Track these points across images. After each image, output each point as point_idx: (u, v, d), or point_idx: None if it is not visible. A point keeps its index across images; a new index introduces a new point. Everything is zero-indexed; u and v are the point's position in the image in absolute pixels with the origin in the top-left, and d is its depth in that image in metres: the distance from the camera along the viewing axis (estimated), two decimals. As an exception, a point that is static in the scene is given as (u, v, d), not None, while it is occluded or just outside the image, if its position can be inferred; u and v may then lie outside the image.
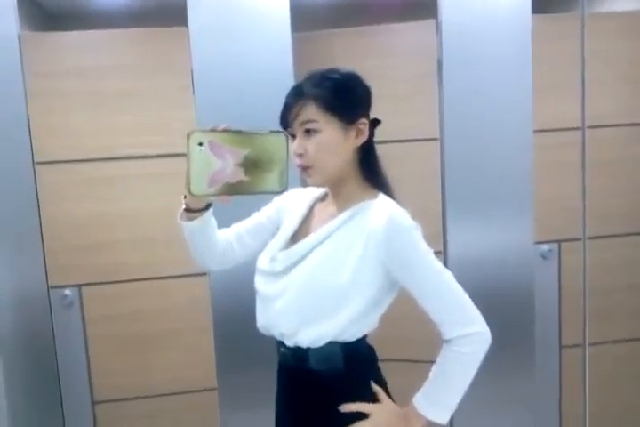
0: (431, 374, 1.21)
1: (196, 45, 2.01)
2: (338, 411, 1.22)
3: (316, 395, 1.24)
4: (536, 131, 2.12)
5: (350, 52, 2.19)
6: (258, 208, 1.44)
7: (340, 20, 2.29)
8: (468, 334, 1.17)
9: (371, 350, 1.31)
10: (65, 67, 2.08)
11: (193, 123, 2.03)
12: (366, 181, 1.29)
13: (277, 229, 1.40)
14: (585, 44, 2.22)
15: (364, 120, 1.23)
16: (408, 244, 1.18)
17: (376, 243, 1.17)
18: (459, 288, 1.20)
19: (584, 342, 2.31)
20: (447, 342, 1.19)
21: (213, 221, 1.32)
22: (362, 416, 1.24)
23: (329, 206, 1.31)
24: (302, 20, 2.09)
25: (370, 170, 1.29)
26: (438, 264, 1.19)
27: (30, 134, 2.07)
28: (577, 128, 2.29)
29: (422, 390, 1.21)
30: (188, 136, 1.07)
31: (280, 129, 1.17)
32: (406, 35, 2.19)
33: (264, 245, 1.39)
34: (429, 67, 2.14)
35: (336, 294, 1.19)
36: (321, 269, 1.20)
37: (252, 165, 1.10)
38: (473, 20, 2.05)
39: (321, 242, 1.23)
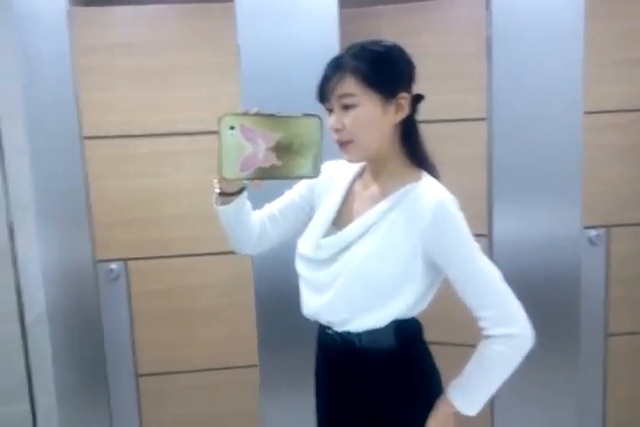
0: (467, 366, 1.21)
1: (242, 21, 2.01)
2: (390, 388, 1.24)
3: (366, 373, 1.23)
4: (587, 112, 2.06)
5: (397, 28, 2.15)
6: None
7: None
8: (507, 335, 1.15)
9: (419, 325, 1.29)
10: (113, 42, 2.10)
11: (238, 100, 2.02)
12: (409, 160, 1.26)
13: (311, 207, 1.38)
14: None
15: (404, 95, 1.19)
16: (455, 234, 1.16)
17: (425, 232, 1.15)
18: (503, 285, 1.17)
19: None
20: (486, 337, 1.17)
21: (248, 205, 1.30)
22: (414, 395, 1.25)
23: (370, 186, 1.28)
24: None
25: (412, 148, 1.25)
26: (483, 257, 1.17)
27: (78, 109, 2.09)
28: (628, 110, 2.23)
29: (456, 381, 1.22)
30: (220, 120, 1.06)
31: (314, 112, 1.15)
32: (455, 11, 2.14)
33: (299, 224, 1.39)
34: (478, 44, 2.09)
35: (389, 283, 1.18)
36: (372, 259, 1.18)
37: (285, 150, 1.09)
38: (523, -3, 1.99)
39: (367, 229, 1.20)
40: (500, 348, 1.16)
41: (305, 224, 1.36)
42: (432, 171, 1.27)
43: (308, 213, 1.38)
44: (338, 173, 1.35)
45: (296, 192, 1.40)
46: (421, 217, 1.15)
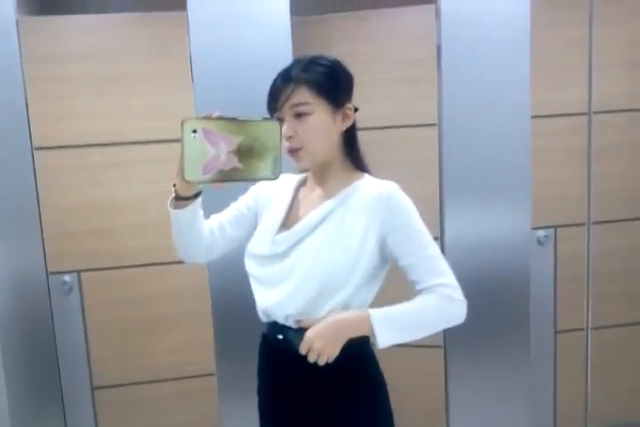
0: (397, 306, 1.24)
1: (194, 30, 2.01)
2: (347, 385, 1.27)
3: (322, 373, 1.24)
4: (534, 117, 2.13)
5: (349, 36, 2.19)
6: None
7: (338, 4, 2.28)
8: (444, 283, 1.24)
9: None
10: (63, 51, 2.07)
11: (192, 108, 2.02)
12: (351, 164, 1.34)
13: (255, 216, 1.42)
14: (583, 31, 2.23)
15: (349, 105, 1.29)
16: (406, 211, 1.25)
17: (379, 213, 1.24)
18: (438, 248, 1.28)
19: (587, 325, 2.34)
20: (424, 289, 1.25)
21: (201, 212, 1.33)
22: (371, 392, 1.29)
23: (315, 190, 1.34)
24: (301, 4, 2.08)
25: (354, 153, 1.34)
26: (426, 230, 1.27)
27: (29, 119, 2.06)
28: (573, 114, 2.31)
29: (386, 308, 1.24)
30: (182, 123, 1.07)
31: (273, 116, 1.18)
32: (405, 19, 2.18)
33: (245, 233, 1.42)
34: (428, 52, 2.14)
35: (345, 267, 1.23)
36: (328, 247, 1.24)
37: (246, 153, 1.11)
38: (472, 5, 2.05)
39: (320, 222, 1.27)
40: (437, 292, 1.23)
41: (250, 234, 1.40)
42: (369, 172, 1.35)
43: (253, 224, 1.42)
44: (281, 184, 1.39)
45: (243, 203, 1.44)
46: (377, 205, 1.24)
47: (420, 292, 1.25)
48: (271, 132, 1.11)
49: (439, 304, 1.23)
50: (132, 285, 2.22)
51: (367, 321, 1.20)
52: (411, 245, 1.24)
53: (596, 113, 2.31)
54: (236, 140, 1.10)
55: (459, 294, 1.25)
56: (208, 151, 1.09)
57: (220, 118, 1.10)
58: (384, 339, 1.20)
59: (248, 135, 1.10)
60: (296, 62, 1.27)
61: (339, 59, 1.29)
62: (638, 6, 2.31)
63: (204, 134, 1.08)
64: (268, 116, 1.23)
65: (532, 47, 2.07)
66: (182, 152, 1.09)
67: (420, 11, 2.15)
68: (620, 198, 2.40)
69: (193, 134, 1.08)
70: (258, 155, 1.11)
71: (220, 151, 1.09)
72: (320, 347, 1.18)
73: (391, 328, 1.21)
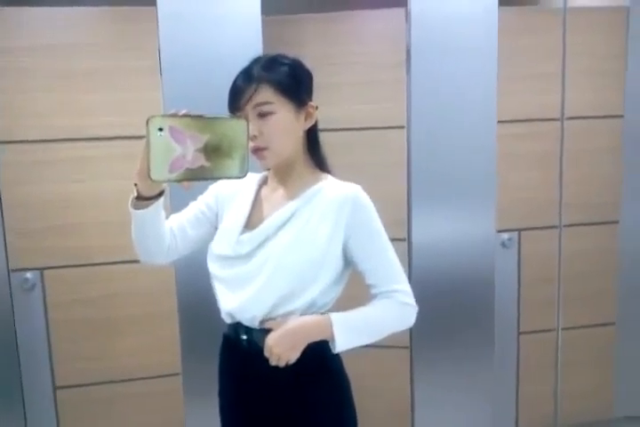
0: (353, 311, 1.27)
1: (164, 26, 1.99)
2: (310, 385, 1.28)
3: (287, 373, 1.24)
4: (500, 121, 2.17)
5: (319, 37, 2.19)
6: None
7: (310, 4, 2.29)
8: (399, 290, 1.28)
9: None
10: (29, 44, 2.03)
11: (160, 105, 2.01)
12: (313, 163, 1.35)
13: (216, 216, 1.40)
14: (551, 39, 2.28)
15: (312, 103, 1.29)
16: (369, 215, 1.27)
17: (343, 215, 1.25)
18: (394, 253, 1.30)
19: (557, 326, 2.38)
20: (379, 294, 1.28)
21: (163, 212, 1.29)
22: (335, 391, 1.30)
23: (277, 190, 1.34)
24: (273, 3, 2.08)
25: (316, 153, 1.35)
26: (385, 234, 1.29)
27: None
28: (539, 119, 2.36)
29: (345, 313, 1.26)
30: (148, 121, 1.05)
31: (240, 114, 1.17)
32: (376, 22, 2.20)
33: (205, 234, 1.39)
34: (398, 55, 2.16)
35: (312, 268, 1.24)
36: (293, 247, 1.23)
37: (213, 151, 1.09)
38: (442, 10, 2.08)
39: (285, 222, 1.26)
40: (392, 297, 1.27)
41: (211, 235, 1.38)
42: (330, 172, 1.36)
43: (213, 224, 1.40)
44: (241, 183, 1.37)
45: (203, 203, 1.41)
46: (342, 206, 1.25)
47: (375, 296, 1.28)
48: (238, 130, 1.10)
49: (395, 310, 1.27)
50: (96, 283, 2.19)
51: (328, 326, 1.22)
52: (370, 249, 1.27)
53: (556, 120, 2.36)
54: (203, 138, 1.08)
55: (412, 301, 1.29)
56: (174, 149, 1.06)
57: (186, 116, 1.07)
58: (341, 343, 1.22)
59: (215, 133, 1.08)
60: (256, 61, 1.26)
61: (299, 58, 1.30)
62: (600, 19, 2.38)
63: (170, 132, 1.06)
64: (234, 114, 1.22)
65: (500, 53, 2.10)
66: (147, 150, 1.06)
67: (391, 14, 2.16)
68: (578, 204, 2.45)
69: (159, 132, 1.05)
70: (225, 153, 1.09)
71: (187, 150, 1.07)
72: (280, 352, 1.19)
73: (349, 333, 1.23)
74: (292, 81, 1.24)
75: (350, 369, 1.35)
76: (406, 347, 2.29)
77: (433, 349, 2.25)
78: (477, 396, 2.29)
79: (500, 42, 2.10)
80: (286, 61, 1.27)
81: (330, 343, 1.24)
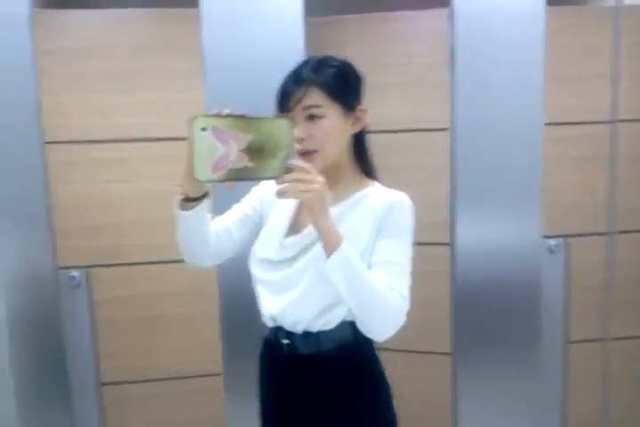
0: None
1: (206, 28, 2.01)
2: (355, 389, 1.26)
3: (329, 377, 1.24)
4: (547, 124, 2.11)
5: (362, 38, 2.18)
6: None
7: (353, 5, 2.28)
8: (397, 288, 1.17)
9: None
10: (75, 45, 2.08)
11: (202, 106, 2.02)
12: (360, 168, 1.33)
13: (260, 217, 1.39)
14: (601, 39, 2.21)
15: (361, 107, 1.27)
16: (402, 216, 1.23)
17: (379, 218, 1.22)
18: (410, 261, 1.23)
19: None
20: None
21: (209, 214, 1.29)
22: (376, 394, 1.27)
23: None
24: (316, 4, 2.08)
25: (364, 157, 1.33)
26: (409, 252, 1.23)
27: (40, 114, 2.06)
28: (587, 122, 2.29)
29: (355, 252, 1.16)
30: (191, 121, 1.05)
31: (284, 114, 1.16)
32: (419, 23, 2.18)
33: (251, 236, 1.38)
34: (442, 56, 2.12)
35: None
36: None
37: (257, 151, 1.08)
38: (486, 10, 2.03)
39: None
40: (385, 286, 1.17)
41: (256, 236, 1.37)
42: (378, 179, 1.34)
43: (258, 225, 1.39)
44: None
45: (248, 205, 1.40)
46: (381, 210, 1.23)
47: None
48: (282, 130, 1.09)
49: (385, 288, 1.16)
50: (140, 282, 2.22)
51: (337, 243, 1.13)
52: (386, 245, 1.21)
53: (605, 123, 2.29)
54: (247, 138, 1.07)
55: (403, 302, 1.18)
56: (218, 150, 1.06)
57: (229, 116, 1.07)
58: (330, 266, 1.14)
59: (258, 133, 1.08)
60: (305, 63, 1.25)
61: (348, 60, 1.28)
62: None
63: (213, 132, 1.06)
64: (280, 113, 1.21)
65: (547, 53, 2.05)
66: (191, 150, 1.06)
67: (435, 14, 2.13)
68: (629, 209, 2.36)
69: (202, 132, 1.05)
70: (268, 153, 1.09)
71: (230, 150, 1.07)
72: (302, 186, 1.08)
73: (345, 265, 1.14)
74: (341, 84, 1.23)
75: (391, 375, 1.33)
76: (447, 353, 2.24)
77: (476, 356, 2.20)
78: (522, 405, 2.23)
79: (549, 42, 2.04)
80: (336, 63, 1.26)
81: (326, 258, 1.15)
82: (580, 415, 2.46)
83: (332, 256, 1.13)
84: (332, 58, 1.27)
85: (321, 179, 1.10)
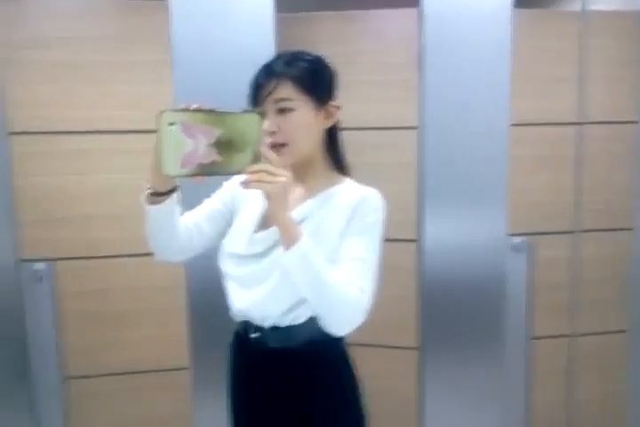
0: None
1: (176, 20, 1.99)
2: (323, 383, 1.27)
3: (297, 371, 1.25)
4: (513, 124, 2.14)
5: (332, 35, 2.19)
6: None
7: (324, 3, 2.28)
8: (358, 285, 1.17)
9: None
10: (40, 36, 2.05)
11: (170, 99, 2.01)
12: (332, 164, 1.33)
13: (231, 213, 1.38)
14: (568, 42, 2.26)
15: (333, 103, 1.27)
16: (371, 215, 1.23)
17: (349, 215, 1.22)
18: (376, 259, 1.22)
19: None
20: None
21: (178, 209, 1.28)
22: (345, 389, 1.29)
23: (294, 189, 1.30)
24: (287, 0, 2.08)
25: (336, 153, 1.33)
26: (377, 249, 1.23)
27: (4, 104, 2.03)
28: (552, 123, 2.33)
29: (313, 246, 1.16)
30: (159, 116, 1.04)
31: (254, 108, 1.16)
32: (389, 22, 2.19)
33: (221, 231, 1.38)
34: (411, 55, 2.14)
35: None
36: None
37: (226, 146, 1.07)
38: (455, 10, 2.05)
39: (299, 222, 1.23)
40: (344, 279, 1.17)
41: (226, 231, 1.37)
42: (350, 174, 1.35)
43: (228, 220, 1.39)
44: None
45: (219, 199, 1.39)
46: (351, 206, 1.23)
47: None
48: (252, 125, 1.08)
49: (347, 288, 1.16)
50: (106, 275, 2.20)
51: (297, 235, 1.13)
52: (352, 241, 1.21)
53: (571, 124, 2.34)
54: (216, 132, 1.06)
55: (364, 296, 1.18)
56: (186, 144, 1.05)
57: (198, 110, 1.06)
58: (287, 260, 1.14)
59: (228, 128, 1.07)
60: (279, 57, 1.26)
61: (322, 55, 1.28)
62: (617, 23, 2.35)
63: (181, 127, 1.05)
64: (249, 108, 1.21)
65: (515, 55, 2.08)
66: (159, 145, 1.05)
67: (405, 13, 2.15)
68: (591, 209, 2.42)
69: (170, 127, 1.04)
70: (238, 148, 1.08)
71: (199, 144, 1.06)
72: (270, 176, 1.07)
73: (303, 259, 1.13)
74: (313, 78, 1.23)
75: (359, 369, 1.35)
76: (415, 348, 2.27)
77: (442, 351, 2.23)
78: (486, 400, 2.26)
79: (516, 44, 2.07)
80: (309, 58, 1.26)
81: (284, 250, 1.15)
82: (542, 411, 2.51)
83: (290, 250, 1.13)
84: (305, 53, 1.27)
85: (286, 173, 1.09)
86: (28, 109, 2.07)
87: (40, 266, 2.14)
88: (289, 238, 1.13)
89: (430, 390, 2.27)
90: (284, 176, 1.09)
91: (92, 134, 2.12)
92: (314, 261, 1.14)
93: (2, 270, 2.08)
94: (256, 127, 1.09)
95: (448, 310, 2.17)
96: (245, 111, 1.10)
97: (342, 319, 1.19)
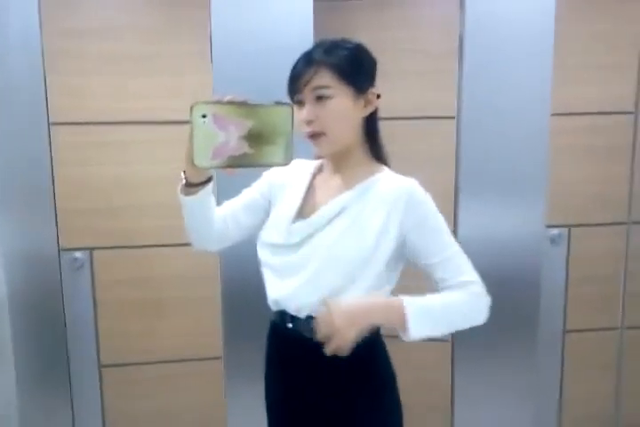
0: (426, 297, 1.20)
1: (216, 11, 1.99)
2: (356, 377, 1.26)
3: (334, 362, 1.22)
4: (554, 114, 2.10)
5: (372, 23, 2.16)
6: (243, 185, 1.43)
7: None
8: (472, 281, 1.22)
9: None
10: (84, 26, 2.06)
11: (210, 89, 2.01)
12: (370, 153, 1.32)
13: (269, 203, 1.39)
14: (613, 26, 2.19)
15: (373, 90, 1.26)
16: (428, 211, 1.23)
17: (399, 210, 1.21)
18: (458, 244, 1.25)
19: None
20: (450, 287, 1.21)
21: (213, 199, 1.30)
22: (381, 381, 1.29)
23: (333, 178, 1.32)
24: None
25: (374, 141, 1.32)
26: (447, 227, 1.25)
27: (47, 94, 2.05)
28: (595, 113, 2.28)
29: (417, 297, 1.19)
30: (191, 108, 1.05)
31: (285, 101, 1.16)
32: (429, 9, 2.16)
33: (258, 221, 1.39)
34: (450, 43, 2.11)
35: (361, 261, 1.21)
36: (343, 240, 1.21)
37: (257, 138, 1.08)
38: (498, -2, 2.02)
39: (338, 213, 1.24)
40: (466, 289, 1.21)
41: (263, 222, 1.38)
42: (388, 163, 1.33)
43: (266, 211, 1.39)
44: (295, 170, 1.37)
45: (256, 190, 1.40)
46: (397, 200, 1.21)
47: (443, 290, 1.22)
48: (283, 117, 1.09)
49: (470, 300, 1.20)
50: (143, 264, 2.22)
51: (399, 309, 1.15)
52: (434, 245, 1.22)
53: (608, 113, 2.28)
54: (247, 124, 1.07)
55: (484, 292, 1.22)
56: (218, 136, 1.07)
57: (230, 103, 1.07)
58: (415, 330, 1.15)
59: (259, 120, 1.08)
60: (318, 45, 1.25)
61: (362, 43, 1.26)
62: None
63: (213, 119, 1.06)
64: (281, 100, 1.20)
65: (555, 43, 2.04)
66: (191, 137, 1.07)
67: (445, 1, 2.12)
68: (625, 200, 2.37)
69: (202, 119, 1.06)
70: (269, 140, 1.09)
71: (230, 136, 1.07)
72: (340, 325, 1.10)
73: (424, 319, 1.16)
74: (353, 66, 1.21)
75: (393, 361, 1.34)
76: (447, 340, 2.26)
77: (475, 343, 2.21)
78: (519, 393, 2.25)
79: (560, 30, 2.03)
80: (349, 46, 1.24)
81: (399, 331, 1.17)
82: (575, 403, 2.48)
83: (409, 326, 1.14)
84: (345, 40, 1.25)
85: (337, 321, 1.10)
86: (70, 100, 2.08)
87: (79, 255, 2.17)
88: (394, 315, 1.15)
89: (463, 383, 2.26)
90: (338, 329, 1.10)
91: (132, 125, 2.13)
92: (435, 312, 1.18)
93: (44, 259, 2.11)
94: (287, 120, 1.09)
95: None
96: (277, 103, 1.10)
97: (482, 318, 1.23)
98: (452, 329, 1.23)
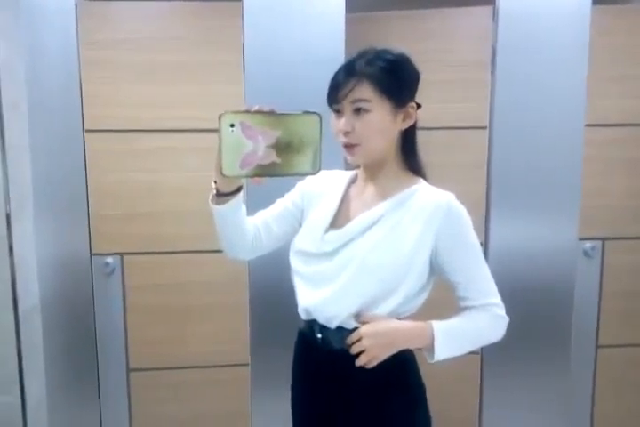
0: (456, 318, 1.24)
1: (249, 21, 2.01)
2: (384, 390, 1.25)
3: (362, 374, 1.22)
4: (588, 125, 2.08)
5: (404, 34, 2.16)
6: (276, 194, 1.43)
7: (395, 2, 2.26)
8: (495, 303, 1.24)
9: None
10: (119, 37, 2.10)
11: (241, 99, 2.03)
12: (406, 165, 1.30)
13: (302, 213, 1.39)
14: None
15: (413, 104, 1.24)
16: (463, 226, 1.22)
17: (436, 222, 1.20)
18: (487, 267, 1.26)
19: None
20: (473, 307, 1.24)
21: (244, 208, 1.30)
22: (411, 393, 1.29)
23: (367, 189, 1.30)
24: (357, 0, 2.06)
25: (411, 154, 1.30)
26: (479, 245, 1.25)
27: (82, 102, 2.09)
28: (629, 124, 2.24)
29: (446, 322, 1.22)
30: (220, 118, 1.06)
31: (313, 110, 1.16)
32: (462, 20, 2.15)
33: (291, 231, 1.39)
34: (484, 54, 2.10)
35: (396, 273, 1.20)
36: (378, 251, 1.20)
37: (285, 147, 1.08)
38: (530, 8, 2.01)
39: (373, 224, 1.23)
40: (488, 310, 1.24)
41: (296, 232, 1.37)
42: (424, 176, 1.31)
43: (299, 220, 1.39)
44: (330, 180, 1.37)
45: (289, 200, 1.40)
46: (434, 214, 1.20)
47: (466, 308, 1.24)
48: (311, 126, 1.09)
49: (491, 323, 1.24)
50: (173, 270, 2.24)
51: (428, 332, 1.19)
52: (463, 262, 1.22)
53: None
54: (275, 134, 1.08)
55: (504, 314, 1.26)
56: (246, 145, 1.07)
57: (257, 112, 1.08)
58: (441, 352, 1.20)
59: (287, 129, 1.08)
60: (361, 55, 1.22)
61: (406, 54, 1.24)
62: None
63: (241, 128, 1.06)
64: (308, 110, 1.22)
65: (590, 54, 2.01)
66: (219, 146, 1.08)
67: (478, 12, 2.11)
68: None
69: (231, 128, 1.06)
70: (297, 149, 1.09)
71: (258, 146, 1.07)
72: (368, 345, 1.17)
73: (450, 342, 1.20)
74: (394, 80, 1.19)
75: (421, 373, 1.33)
76: (477, 353, 2.23)
77: (505, 357, 2.18)
78: (550, 408, 2.21)
79: (594, 42, 2.00)
80: (390, 57, 1.21)
81: (425, 352, 1.22)
82: (607, 420, 2.43)
83: (437, 346, 1.18)
84: (388, 51, 1.22)
85: (368, 343, 1.18)
86: (104, 108, 2.12)
87: (110, 260, 2.20)
88: (423, 338, 1.20)
89: (492, 396, 2.23)
90: (370, 346, 1.18)
91: (165, 133, 2.16)
92: (459, 335, 1.22)
93: (77, 264, 2.14)
94: (316, 129, 1.09)
95: (514, 315, 2.10)
96: (305, 113, 1.10)
97: (500, 336, 1.28)
98: (473, 348, 1.26)
